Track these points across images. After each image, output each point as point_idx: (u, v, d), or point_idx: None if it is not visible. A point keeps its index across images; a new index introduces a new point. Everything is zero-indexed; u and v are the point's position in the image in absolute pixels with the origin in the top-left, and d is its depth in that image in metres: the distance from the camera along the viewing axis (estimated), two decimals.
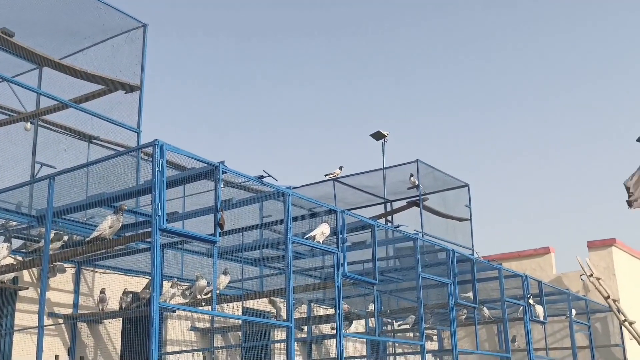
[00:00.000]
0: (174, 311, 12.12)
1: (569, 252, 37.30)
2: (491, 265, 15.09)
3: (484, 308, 15.94)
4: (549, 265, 20.66)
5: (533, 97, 43.80)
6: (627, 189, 12.75)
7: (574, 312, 17.42)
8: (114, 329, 11.90)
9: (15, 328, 10.47)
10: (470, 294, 13.85)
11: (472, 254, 16.55)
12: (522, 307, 15.14)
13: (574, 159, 42.69)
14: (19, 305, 10.67)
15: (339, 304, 10.17)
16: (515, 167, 43.71)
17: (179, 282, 11.94)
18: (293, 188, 10.13)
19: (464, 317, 15.64)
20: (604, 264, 19.72)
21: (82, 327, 11.50)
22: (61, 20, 11.03)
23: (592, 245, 20.07)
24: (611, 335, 19.45)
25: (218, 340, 13.89)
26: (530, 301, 15.07)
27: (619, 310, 18.54)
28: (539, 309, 15.52)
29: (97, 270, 11.99)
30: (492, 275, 14.97)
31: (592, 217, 40.90)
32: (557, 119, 43.24)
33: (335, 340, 10.46)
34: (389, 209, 18.32)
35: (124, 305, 11.10)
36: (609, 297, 18.66)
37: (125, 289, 11.39)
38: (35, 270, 10.81)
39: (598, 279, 18.77)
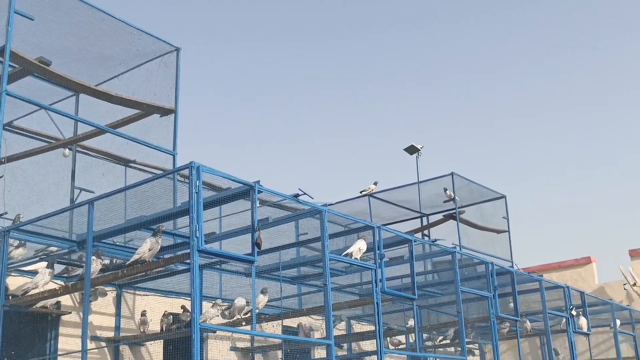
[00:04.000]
0: (215, 331, 12.14)
1: (611, 261, 36.62)
2: (531, 277, 14.87)
3: (527, 321, 15.70)
4: (591, 275, 20.31)
5: (568, 105, 43.31)
6: None
7: (618, 322, 17.08)
8: (155, 350, 11.97)
9: (59, 352, 10.59)
10: (512, 307, 13.65)
11: (512, 266, 16.36)
12: (565, 319, 14.88)
13: (613, 166, 42.02)
14: (62, 330, 10.81)
15: (378, 320, 10.09)
16: (552, 176, 43.17)
17: (219, 303, 11.98)
18: (328, 205, 10.12)
19: (506, 330, 15.42)
20: None
21: (124, 350, 11.59)
22: (96, 47, 11.24)
23: (635, 254, 19.69)
24: None
25: None
26: (573, 312, 14.81)
27: None
28: (582, 321, 15.24)
29: (137, 292, 12.09)
30: (533, 287, 14.75)
31: (633, 225, 40.10)
32: (595, 127, 42.68)
33: (376, 357, 10.38)
34: (425, 223, 18.21)
35: (164, 327, 11.18)
36: None
37: (165, 310, 11.49)
38: (77, 294, 10.94)
39: None
